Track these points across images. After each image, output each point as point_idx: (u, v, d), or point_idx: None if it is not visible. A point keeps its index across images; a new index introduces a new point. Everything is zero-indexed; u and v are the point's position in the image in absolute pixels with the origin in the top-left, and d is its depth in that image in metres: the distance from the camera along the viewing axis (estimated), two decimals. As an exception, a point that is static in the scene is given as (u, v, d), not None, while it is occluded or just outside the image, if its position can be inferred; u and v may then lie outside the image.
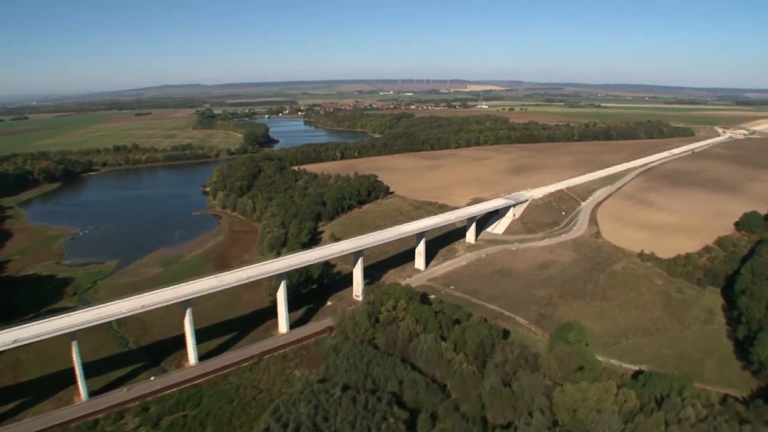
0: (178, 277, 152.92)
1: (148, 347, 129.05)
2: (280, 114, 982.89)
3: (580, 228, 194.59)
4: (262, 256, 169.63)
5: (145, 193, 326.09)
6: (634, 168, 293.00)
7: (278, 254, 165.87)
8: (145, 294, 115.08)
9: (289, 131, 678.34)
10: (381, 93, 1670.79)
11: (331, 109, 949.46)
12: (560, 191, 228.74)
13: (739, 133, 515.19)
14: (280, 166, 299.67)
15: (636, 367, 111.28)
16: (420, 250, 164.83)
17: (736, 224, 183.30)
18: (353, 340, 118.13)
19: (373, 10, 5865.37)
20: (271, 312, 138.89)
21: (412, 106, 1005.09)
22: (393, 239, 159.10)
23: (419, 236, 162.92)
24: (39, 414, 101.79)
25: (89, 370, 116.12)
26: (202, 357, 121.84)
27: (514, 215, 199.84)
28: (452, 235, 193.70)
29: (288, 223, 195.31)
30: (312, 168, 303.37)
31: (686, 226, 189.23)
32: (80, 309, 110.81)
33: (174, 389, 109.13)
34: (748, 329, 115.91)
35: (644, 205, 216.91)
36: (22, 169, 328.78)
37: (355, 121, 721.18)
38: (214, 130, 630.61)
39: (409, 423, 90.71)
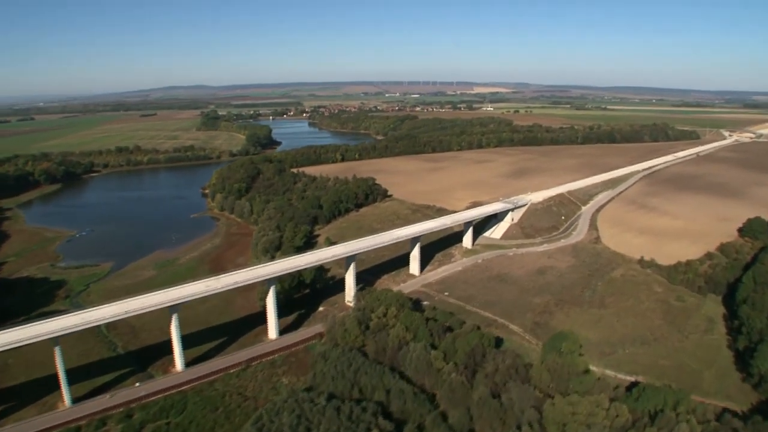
0: (172, 280, 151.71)
1: (137, 352, 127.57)
2: (285, 115, 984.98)
3: (579, 233, 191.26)
4: (257, 260, 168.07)
5: (145, 195, 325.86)
6: (638, 171, 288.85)
7: (272, 258, 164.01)
8: (130, 299, 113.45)
9: (293, 133, 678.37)
10: (387, 95, 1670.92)
11: (336, 111, 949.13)
12: (561, 195, 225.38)
13: (745, 137, 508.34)
14: (280, 169, 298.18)
15: (632, 378, 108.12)
16: (415, 254, 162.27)
17: (740, 230, 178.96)
18: (343, 347, 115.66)
19: (380, 12, 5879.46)
20: (263, 317, 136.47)
21: (417, 108, 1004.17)
22: (386, 244, 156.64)
23: (414, 241, 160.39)
24: (21, 420, 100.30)
25: (76, 374, 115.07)
26: (190, 362, 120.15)
27: (513, 219, 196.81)
28: (449, 239, 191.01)
29: (284, 226, 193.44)
30: (312, 170, 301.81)
31: (688, 231, 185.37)
32: (63, 314, 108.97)
33: (159, 396, 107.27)
34: (749, 340, 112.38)
35: (646, 210, 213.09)
36: (23, 170, 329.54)
37: (359, 122, 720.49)
38: (217, 131, 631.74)
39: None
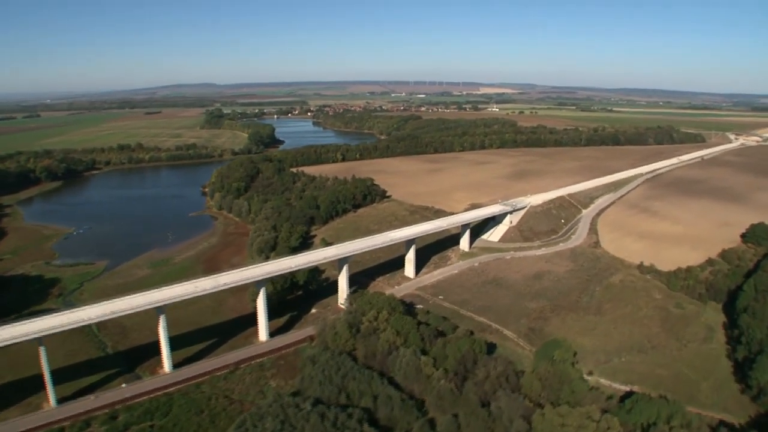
0: (166, 280, 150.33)
1: (126, 352, 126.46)
2: (290, 114, 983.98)
3: (579, 237, 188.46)
4: (252, 260, 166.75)
5: (145, 193, 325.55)
6: (640, 175, 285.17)
7: (267, 258, 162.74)
8: (116, 299, 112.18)
9: (297, 132, 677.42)
10: (393, 94, 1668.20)
11: (341, 110, 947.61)
12: (561, 198, 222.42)
13: (752, 140, 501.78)
14: (279, 168, 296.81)
15: (627, 388, 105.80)
16: (410, 257, 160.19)
17: (743, 236, 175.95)
18: (332, 351, 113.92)
19: (387, 12, 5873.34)
20: (255, 318, 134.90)
21: (422, 108, 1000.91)
22: (379, 246, 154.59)
23: (409, 243, 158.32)
24: (5, 420, 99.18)
25: (64, 374, 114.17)
26: (178, 363, 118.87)
27: (511, 222, 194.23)
28: (446, 241, 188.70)
29: (280, 226, 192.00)
30: (311, 170, 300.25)
31: (690, 236, 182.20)
32: (50, 313, 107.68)
33: (144, 397, 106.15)
34: (748, 350, 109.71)
35: (648, 214, 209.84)
36: (24, 167, 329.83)
37: (363, 122, 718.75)
38: (221, 129, 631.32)
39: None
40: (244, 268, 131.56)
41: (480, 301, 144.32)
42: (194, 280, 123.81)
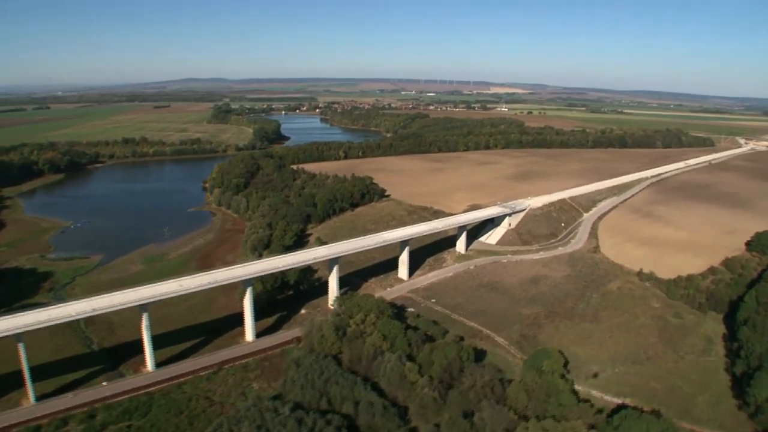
0: (159, 276, 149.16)
1: (112, 349, 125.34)
2: (298, 110, 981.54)
3: (578, 241, 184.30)
4: (246, 258, 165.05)
5: (147, 187, 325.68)
6: (646, 178, 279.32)
7: (260, 256, 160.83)
8: (98, 296, 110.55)
9: (303, 128, 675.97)
10: (403, 92, 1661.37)
11: (349, 108, 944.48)
12: (562, 201, 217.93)
13: (762, 145, 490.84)
14: (280, 165, 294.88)
15: (619, 401, 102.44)
16: (403, 259, 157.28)
17: (748, 244, 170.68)
18: (318, 353, 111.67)
19: (400, 10, 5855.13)
20: (244, 317, 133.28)
21: (431, 107, 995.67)
22: (371, 247, 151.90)
23: (403, 244, 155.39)
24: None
25: (49, 370, 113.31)
26: (163, 362, 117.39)
27: (510, 225, 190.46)
28: (443, 243, 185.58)
29: (275, 224, 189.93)
30: (313, 167, 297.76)
31: (693, 243, 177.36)
32: (31, 309, 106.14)
33: (125, 396, 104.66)
34: (747, 365, 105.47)
35: (650, 219, 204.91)
36: (28, 159, 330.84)
37: (370, 119, 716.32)
38: (227, 125, 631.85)
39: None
40: (230, 267, 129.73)
41: (473, 306, 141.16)
42: (179, 279, 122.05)
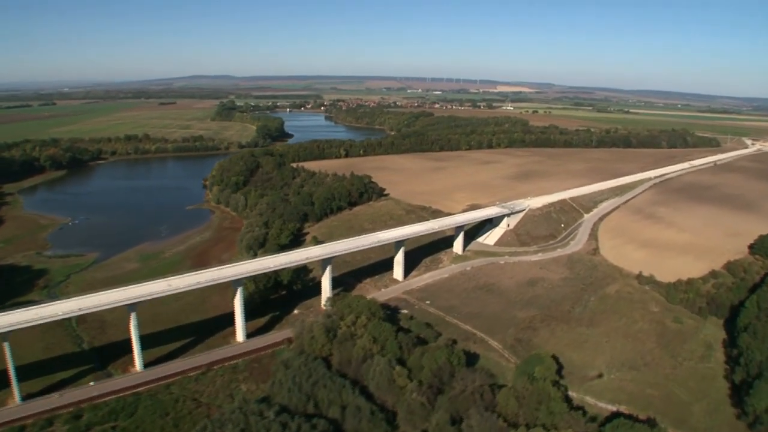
0: (154, 274, 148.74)
1: (101, 348, 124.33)
2: (303, 108, 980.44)
3: (578, 243, 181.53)
4: (241, 256, 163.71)
5: (148, 184, 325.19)
6: (649, 179, 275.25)
7: (255, 255, 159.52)
8: (86, 296, 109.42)
9: (307, 126, 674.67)
10: (409, 91, 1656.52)
11: (354, 105, 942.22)
12: (563, 201, 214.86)
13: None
14: (279, 163, 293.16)
15: (613, 408, 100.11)
16: (398, 259, 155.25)
17: (751, 247, 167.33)
18: (307, 355, 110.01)
19: (407, 8, 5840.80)
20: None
21: (436, 105, 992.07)
22: (365, 247, 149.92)
23: (398, 244, 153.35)
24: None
25: (38, 369, 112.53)
26: (152, 362, 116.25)
27: (509, 225, 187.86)
28: (440, 243, 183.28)
29: (272, 223, 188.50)
30: (313, 165, 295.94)
31: (695, 246, 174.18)
32: (17, 308, 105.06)
33: (112, 396, 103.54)
34: (747, 373, 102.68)
35: (652, 221, 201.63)
36: (29, 155, 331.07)
37: (374, 117, 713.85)
38: (231, 122, 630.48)
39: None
40: (221, 267, 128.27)
41: (468, 308, 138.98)
42: (169, 278, 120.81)
